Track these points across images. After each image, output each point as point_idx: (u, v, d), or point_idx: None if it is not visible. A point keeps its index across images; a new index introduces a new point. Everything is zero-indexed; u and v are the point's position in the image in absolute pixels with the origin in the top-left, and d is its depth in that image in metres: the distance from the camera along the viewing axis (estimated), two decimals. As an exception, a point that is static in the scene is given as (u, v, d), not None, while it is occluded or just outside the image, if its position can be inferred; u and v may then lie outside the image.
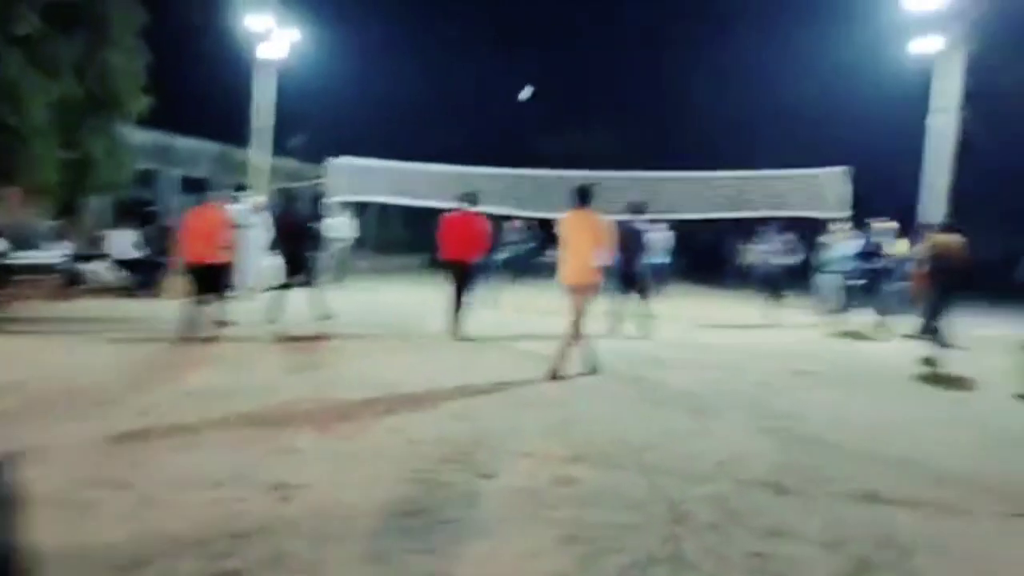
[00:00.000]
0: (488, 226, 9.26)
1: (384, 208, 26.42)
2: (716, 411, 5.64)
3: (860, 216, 13.46)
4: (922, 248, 8.64)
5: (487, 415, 5.21)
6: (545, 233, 21.39)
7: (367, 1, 28.60)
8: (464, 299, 8.83)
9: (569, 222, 6.89)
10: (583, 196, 6.93)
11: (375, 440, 4.49)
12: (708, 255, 22.70)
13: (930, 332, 8.29)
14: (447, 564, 2.89)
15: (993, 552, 3.27)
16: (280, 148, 24.43)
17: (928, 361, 8.05)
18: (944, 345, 8.16)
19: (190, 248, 7.94)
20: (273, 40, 16.51)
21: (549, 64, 31.40)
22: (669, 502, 3.64)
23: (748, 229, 19.66)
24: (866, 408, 6.03)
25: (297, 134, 25.36)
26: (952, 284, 8.18)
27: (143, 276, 11.72)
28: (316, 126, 25.70)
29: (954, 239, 8.27)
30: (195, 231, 7.98)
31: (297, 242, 9.16)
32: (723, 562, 3.01)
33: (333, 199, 16.11)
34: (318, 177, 17.24)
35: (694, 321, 11.72)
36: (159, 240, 11.82)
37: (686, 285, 18.25)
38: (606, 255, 6.93)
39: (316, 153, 18.26)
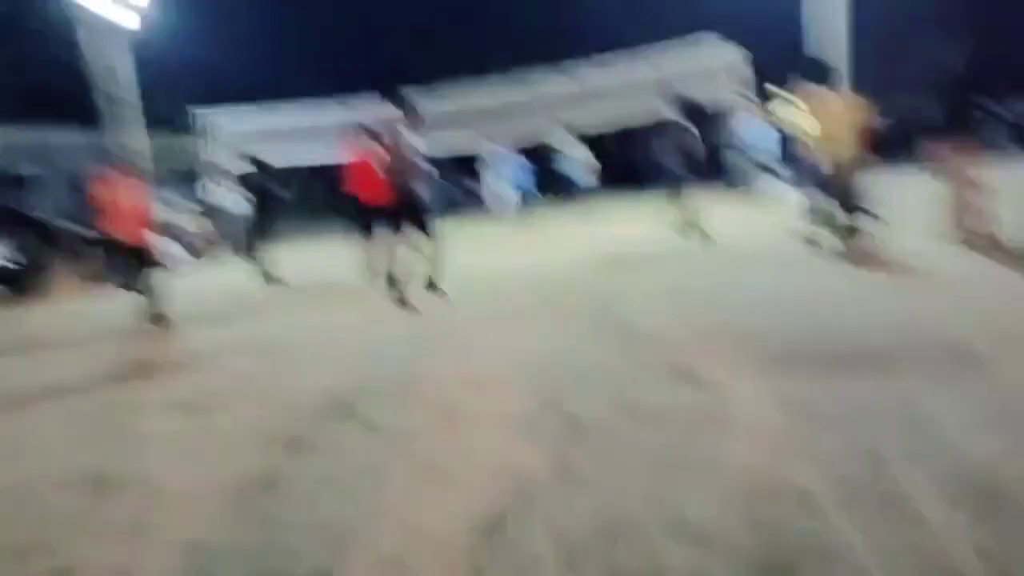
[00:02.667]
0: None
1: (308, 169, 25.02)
2: (628, 305, 5.21)
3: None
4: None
5: (389, 354, 4.67)
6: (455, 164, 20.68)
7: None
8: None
9: None
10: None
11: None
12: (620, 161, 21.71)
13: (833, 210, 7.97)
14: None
15: (925, 399, 2.91)
16: (170, 125, 22.69)
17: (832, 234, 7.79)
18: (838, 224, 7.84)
19: (111, 226, 6.99)
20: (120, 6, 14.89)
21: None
22: (563, 416, 3.17)
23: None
24: (788, 283, 5.70)
25: (180, 106, 23.54)
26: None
27: (14, 284, 10.71)
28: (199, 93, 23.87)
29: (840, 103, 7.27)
30: (113, 207, 7.02)
31: None
32: (616, 470, 2.56)
33: (212, 163, 14.93)
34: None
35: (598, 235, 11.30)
36: (39, 243, 11.02)
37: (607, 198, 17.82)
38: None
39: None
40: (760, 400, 3.07)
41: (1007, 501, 2.07)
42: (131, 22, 15.17)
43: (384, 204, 6.64)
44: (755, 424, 2.83)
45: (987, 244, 6.01)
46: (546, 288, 6.67)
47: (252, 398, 4.10)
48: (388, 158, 6.69)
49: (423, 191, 6.55)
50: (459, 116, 15.13)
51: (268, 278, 9.22)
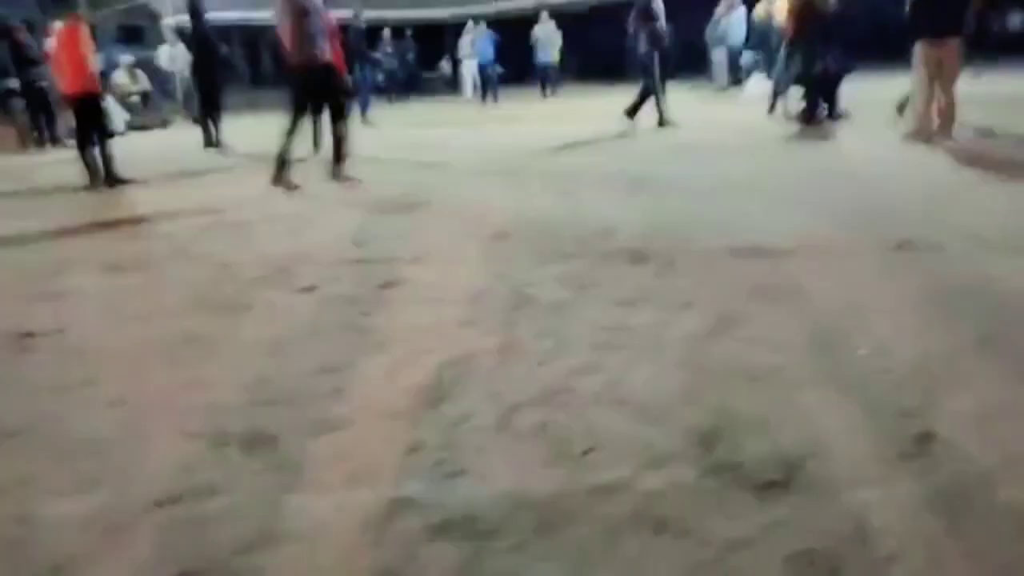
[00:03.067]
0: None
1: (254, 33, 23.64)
2: (584, 190, 5.10)
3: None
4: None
5: (324, 222, 4.50)
6: (423, 45, 19.71)
7: None
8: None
9: None
10: None
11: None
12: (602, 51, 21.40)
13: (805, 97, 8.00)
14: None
15: (869, 283, 2.92)
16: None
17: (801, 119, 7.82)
18: (815, 110, 7.88)
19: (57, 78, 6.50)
20: None
21: None
22: (512, 289, 3.11)
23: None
24: (742, 171, 5.62)
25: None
26: (817, 43, 7.73)
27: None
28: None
29: None
30: (58, 59, 6.49)
31: None
32: (558, 341, 2.53)
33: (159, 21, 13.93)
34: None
35: (578, 113, 11.02)
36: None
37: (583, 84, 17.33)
38: None
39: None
40: (705, 278, 3.06)
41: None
42: None
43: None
44: (699, 300, 2.81)
45: (941, 139, 6.10)
46: (488, 164, 6.49)
47: (188, 260, 3.93)
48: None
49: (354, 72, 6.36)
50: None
51: (211, 143, 8.79)
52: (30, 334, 2.89)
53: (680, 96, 13.02)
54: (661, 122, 8.41)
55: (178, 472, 1.86)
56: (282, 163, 5.89)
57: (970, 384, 2.08)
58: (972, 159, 5.49)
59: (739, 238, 3.65)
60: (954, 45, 6.03)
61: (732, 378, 2.19)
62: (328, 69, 5.97)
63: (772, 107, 8.89)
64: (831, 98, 8.12)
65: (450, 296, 3.07)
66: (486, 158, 7.10)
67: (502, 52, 15.70)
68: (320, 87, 5.92)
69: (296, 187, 5.80)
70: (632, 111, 8.36)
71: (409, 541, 1.55)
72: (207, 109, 8.90)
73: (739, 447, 1.83)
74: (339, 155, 6.09)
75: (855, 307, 2.69)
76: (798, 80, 8.20)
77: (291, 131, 5.85)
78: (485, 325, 2.72)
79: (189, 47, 9.03)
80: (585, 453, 1.84)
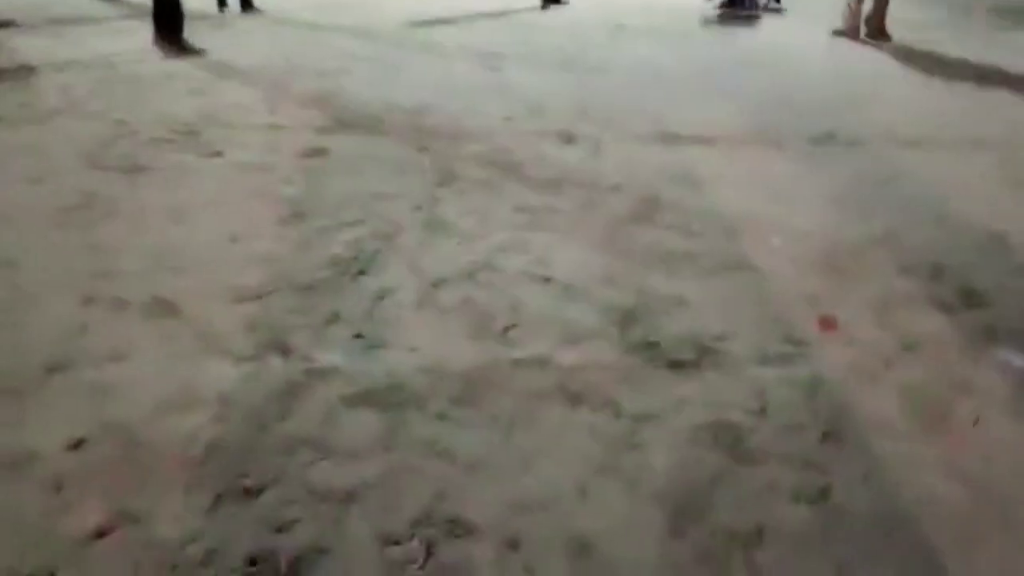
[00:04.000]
0: None
1: None
2: (512, 67, 4.90)
3: None
4: None
5: (219, 90, 4.17)
6: None
7: None
8: None
9: None
10: None
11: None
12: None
13: None
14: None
15: (791, 174, 2.98)
16: None
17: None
18: None
19: None
20: None
21: None
22: (436, 165, 3.01)
23: None
24: (674, 57, 5.52)
25: None
26: None
27: None
28: None
29: None
30: None
31: None
32: (484, 219, 2.48)
33: None
34: None
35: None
36: None
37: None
38: None
39: None
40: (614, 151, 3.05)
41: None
42: None
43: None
44: (624, 185, 2.80)
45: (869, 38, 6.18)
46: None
47: (85, 117, 3.57)
48: None
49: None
50: None
51: None
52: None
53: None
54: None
55: (75, 336, 1.75)
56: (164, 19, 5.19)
57: (872, 275, 2.19)
58: (897, 55, 5.59)
59: (665, 125, 3.63)
60: None
61: (652, 261, 2.22)
62: None
63: None
64: None
65: (373, 168, 2.94)
66: (404, 23, 6.66)
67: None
68: None
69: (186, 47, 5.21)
70: None
71: (329, 410, 1.53)
72: None
73: (656, 327, 1.88)
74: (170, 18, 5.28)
75: (773, 197, 2.75)
76: None
77: None
78: (409, 200, 2.62)
79: None
80: (507, 329, 1.85)
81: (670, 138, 3.44)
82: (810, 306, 2.00)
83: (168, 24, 5.26)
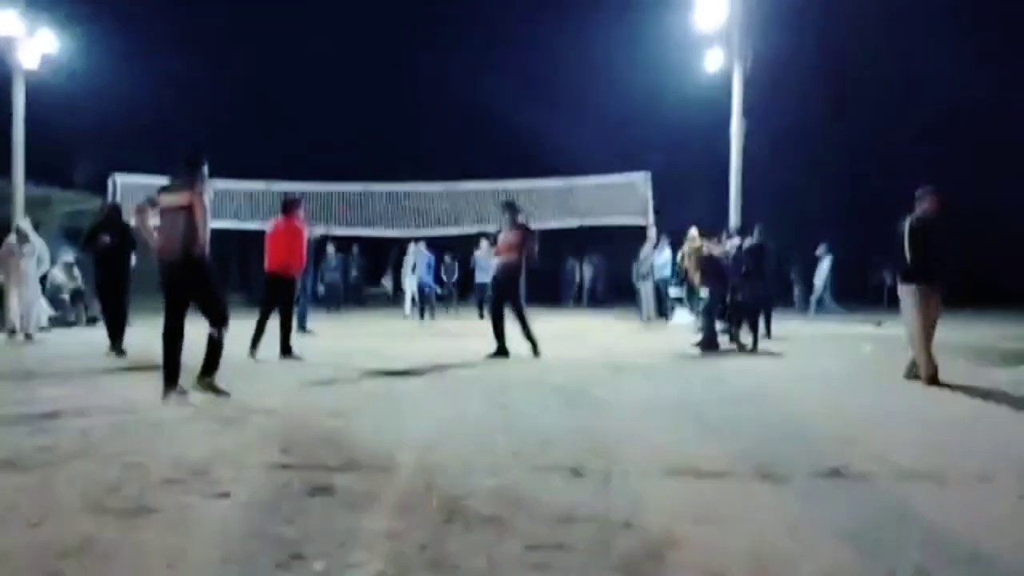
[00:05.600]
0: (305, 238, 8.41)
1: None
2: (519, 402, 5.11)
3: (663, 222, 14.00)
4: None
5: (237, 428, 4.30)
6: (368, 260, 20.50)
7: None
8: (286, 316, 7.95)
9: None
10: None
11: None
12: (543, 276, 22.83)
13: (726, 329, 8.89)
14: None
15: (803, 511, 2.91)
16: (66, 180, 21.62)
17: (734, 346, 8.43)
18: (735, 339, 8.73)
19: None
20: (26, 45, 14.10)
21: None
22: (444, 500, 2.97)
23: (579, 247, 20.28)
24: (672, 394, 5.78)
25: (83, 162, 22.47)
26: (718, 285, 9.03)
27: None
28: (108, 153, 22.94)
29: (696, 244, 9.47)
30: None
31: None
32: (494, 559, 2.37)
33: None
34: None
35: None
36: None
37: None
38: None
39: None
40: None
41: None
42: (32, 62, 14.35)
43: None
44: (636, 520, 2.72)
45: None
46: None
47: (99, 460, 3.63)
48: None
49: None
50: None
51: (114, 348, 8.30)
52: None
53: (611, 324, 13.77)
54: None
55: None
56: (169, 372, 5.22)
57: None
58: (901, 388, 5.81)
59: (672, 459, 3.65)
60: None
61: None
62: (191, 266, 5.20)
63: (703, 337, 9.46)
64: (754, 328, 8.93)
65: (379, 506, 2.90)
66: (419, 365, 7.11)
67: (443, 271, 16.73)
68: (182, 285, 5.26)
69: (184, 394, 5.19)
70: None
71: None
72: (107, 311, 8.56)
73: None
74: (208, 359, 5.35)
75: (792, 534, 2.65)
76: (702, 312, 9.25)
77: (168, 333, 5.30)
78: (414, 538, 2.54)
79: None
80: None
81: (679, 472, 3.44)
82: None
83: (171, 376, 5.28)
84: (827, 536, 2.64)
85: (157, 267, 5.39)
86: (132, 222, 5.42)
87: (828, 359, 8.16)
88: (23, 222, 11.05)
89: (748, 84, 13.04)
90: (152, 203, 5.64)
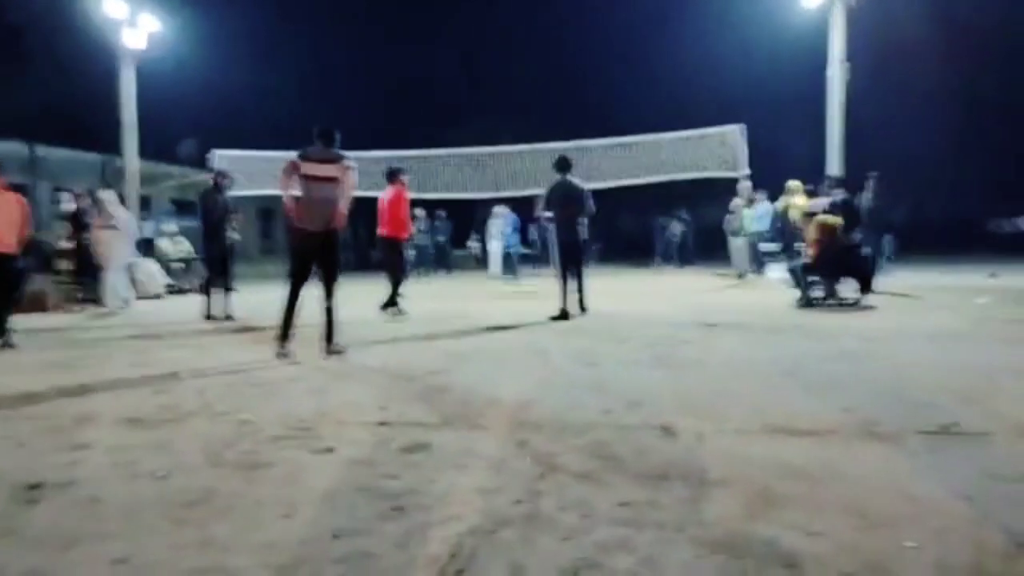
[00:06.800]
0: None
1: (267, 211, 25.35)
2: (608, 363, 5.10)
3: (759, 175, 13.44)
4: (809, 228, 8.95)
5: (337, 389, 4.50)
6: (455, 222, 20.78)
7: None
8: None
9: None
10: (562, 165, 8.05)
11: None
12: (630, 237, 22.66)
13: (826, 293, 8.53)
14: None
15: (912, 469, 2.79)
16: (171, 155, 22.97)
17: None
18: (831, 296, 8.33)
19: None
20: (135, 27, 14.97)
21: (439, 53, 30.53)
22: (538, 457, 3.02)
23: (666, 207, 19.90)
24: (768, 351, 5.61)
25: (186, 140, 23.75)
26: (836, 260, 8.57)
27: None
28: (208, 130, 24.11)
29: (832, 220, 8.77)
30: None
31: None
32: (587, 515, 2.40)
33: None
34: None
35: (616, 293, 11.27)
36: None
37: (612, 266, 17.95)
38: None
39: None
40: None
41: None
42: (141, 42, 15.20)
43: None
44: (733, 479, 2.69)
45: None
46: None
47: (215, 418, 3.90)
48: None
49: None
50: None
51: (210, 315, 8.82)
52: (38, 485, 2.82)
53: (703, 281, 13.46)
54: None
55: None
56: (284, 332, 5.59)
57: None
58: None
59: (768, 418, 3.57)
60: None
61: (773, 564, 2.04)
62: (331, 237, 5.52)
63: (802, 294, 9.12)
64: (865, 281, 8.59)
65: (475, 462, 2.98)
66: (507, 325, 7.20)
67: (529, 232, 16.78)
68: (314, 254, 5.54)
69: (285, 356, 5.54)
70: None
71: None
72: (212, 278, 9.01)
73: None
74: (329, 328, 5.66)
75: (898, 495, 2.55)
76: (792, 270, 8.91)
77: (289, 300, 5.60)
78: (509, 494, 2.61)
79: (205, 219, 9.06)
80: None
81: (775, 431, 3.36)
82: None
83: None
84: (938, 495, 2.53)
85: (289, 233, 5.66)
86: (280, 186, 5.55)
87: (938, 312, 7.70)
88: (104, 193, 11.11)
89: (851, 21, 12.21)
90: (297, 166, 5.54)
